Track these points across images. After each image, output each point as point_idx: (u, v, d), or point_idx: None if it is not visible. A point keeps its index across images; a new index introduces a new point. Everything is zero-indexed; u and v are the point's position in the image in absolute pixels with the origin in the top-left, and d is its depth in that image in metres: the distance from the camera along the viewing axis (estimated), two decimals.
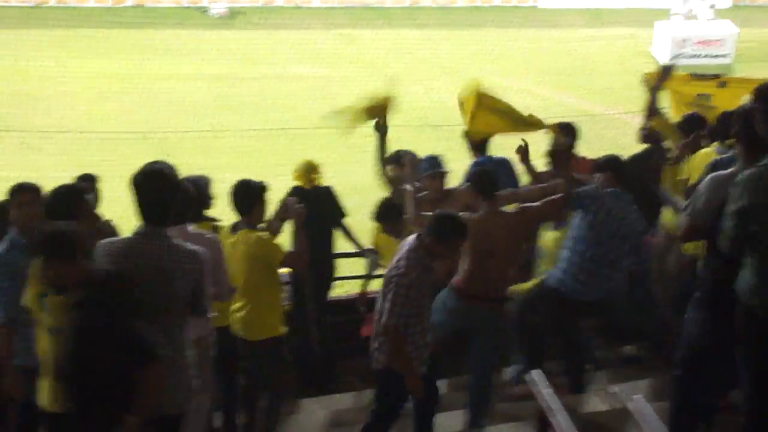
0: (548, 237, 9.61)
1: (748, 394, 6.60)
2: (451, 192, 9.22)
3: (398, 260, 7.52)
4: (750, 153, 6.54)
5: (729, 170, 6.98)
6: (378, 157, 9.20)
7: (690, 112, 10.59)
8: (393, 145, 10.01)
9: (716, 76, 12.17)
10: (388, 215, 9.79)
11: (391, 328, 7.40)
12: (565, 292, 8.83)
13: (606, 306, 9.24)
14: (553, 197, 8.63)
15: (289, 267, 8.61)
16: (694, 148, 9.58)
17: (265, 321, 8.29)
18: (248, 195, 8.27)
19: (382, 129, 9.19)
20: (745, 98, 7.67)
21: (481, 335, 8.34)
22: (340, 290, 11.57)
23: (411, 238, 7.68)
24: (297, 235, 8.50)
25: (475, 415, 8.66)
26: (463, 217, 8.06)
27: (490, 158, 10.32)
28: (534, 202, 8.73)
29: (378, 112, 9.37)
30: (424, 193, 9.09)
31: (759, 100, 6.26)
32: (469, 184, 8.85)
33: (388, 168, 9.70)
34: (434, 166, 9.29)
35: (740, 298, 6.41)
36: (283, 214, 8.87)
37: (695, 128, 9.80)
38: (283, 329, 8.42)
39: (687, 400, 7.33)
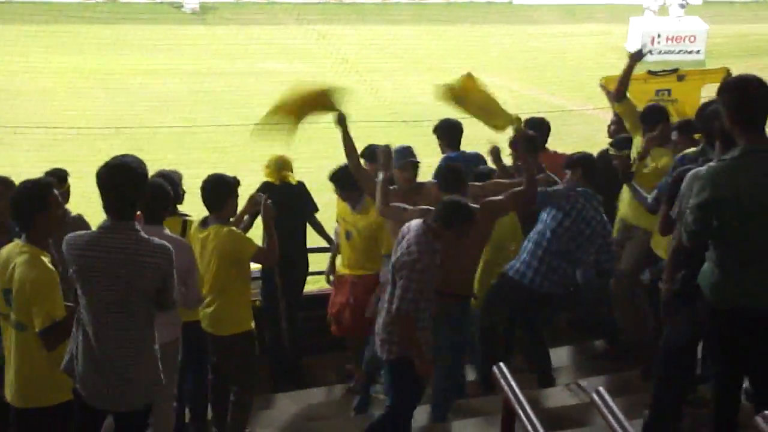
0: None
1: (714, 388, 6.64)
2: (421, 185, 9.18)
3: (408, 246, 7.52)
4: (726, 149, 6.57)
5: (708, 165, 7.02)
6: (348, 152, 9.10)
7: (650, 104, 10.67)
8: (365, 141, 10.01)
9: (674, 71, 12.25)
10: (341, 180, 9.68)
11: (403, 314, 7.42)
12: (527, 284, 8.88)
13: (565, 301, 9.33)
14: (515, 190, 8.60)
15: (260, 263, 8.61)
16: (662, 140, 9.64)
17: (234, 316, 8.28)
18: (220, 190, 8.25)
19: (341, 121, 9.01)
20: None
21: (443, 331, 8.31)
22: (313, 286, 11.55)
23: (416, 223, 7.67)
24: (267, 230, 8.44)
25: (438, 409, 8.68)
26: (428, 210, 8.12)
27: (463, 153, 10.35)
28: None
29: (322, 106, 9.07)
30: (394, 187, 9.06)
31: (720, 96, 6.29)
32: (435, 180, 8.85)
33: (362, 162, 9.70)
34: (405, 156, 9.19)
35: (704, 293, 6.45)
36: (250, 208, 8.86)
37: (658, 120, 9.84)
38: (252, 324, 8.41)
39: (665, 397, 7.37)
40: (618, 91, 10.46)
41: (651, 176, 9.37)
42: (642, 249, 9.51)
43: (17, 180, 7.34)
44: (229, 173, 8.68)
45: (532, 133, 9.44)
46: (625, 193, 9.70)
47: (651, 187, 9.09)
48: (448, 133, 10.52)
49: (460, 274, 8.41)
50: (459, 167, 8.91)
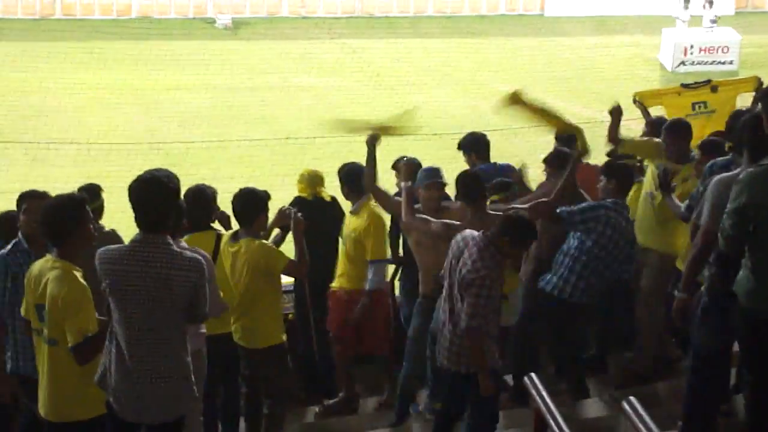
0: None
1: (749, 398, 6.60)
2: (446, 208, 9.11)
3: (473, 263, 7.48)
4: (755, 155, 6.55)
5: (733, 171, 7.00)
6: (368, 170, 9.11)
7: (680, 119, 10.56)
8: (397, 154, 10.04)
9: (707, 82, 12.17)
10: (349, 176, 9.70)
11: (475, 331, 7.41)
12: (565, 298, 8.85)
13: (599, 311, 9.31)
14: (538, 202, 8.58)
15: (291, 275, 8.63)
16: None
17: (265, 329, 8.33)
18: (251, 204, 8.31)
19: (373, 141, 9.05)
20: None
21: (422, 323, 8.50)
22: None
23: (472, 236, 7.64)
24: (297, 243, 8.48)
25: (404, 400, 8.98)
26: (452, 224, 8.14)
27: (494, 165, 10.35)
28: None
29: (386, 132, 9.18)
30: (418, 206, 9.03)
31: (761, 101, 6.29)
32: (456, 188, 8.80)
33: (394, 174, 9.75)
34: (431, 176, 9.19)
35: (739, 300, 6.41)
36: (279, 222, 8.89)
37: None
38: (283, 337, 8.44)
39: (698, 408, 7.31)
40: (611, 139, 10.23)
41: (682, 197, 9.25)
42: (660, 271, 9.46)
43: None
44: (261, 187, 8.75)
45: (567, 150, 9.46)
46: (638, 213, 9.63)
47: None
48: (477, 146, 10.51)
49: None
50: (478, 175, 8.89)
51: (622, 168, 9.23)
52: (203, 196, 8.59)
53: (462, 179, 8.75)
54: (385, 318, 9.85)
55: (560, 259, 9.06)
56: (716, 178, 7.09)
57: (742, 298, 6.38)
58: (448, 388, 8.04)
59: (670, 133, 9.73)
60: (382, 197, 9.23)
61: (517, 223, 7.58)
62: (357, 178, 9.44)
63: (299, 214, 8.53)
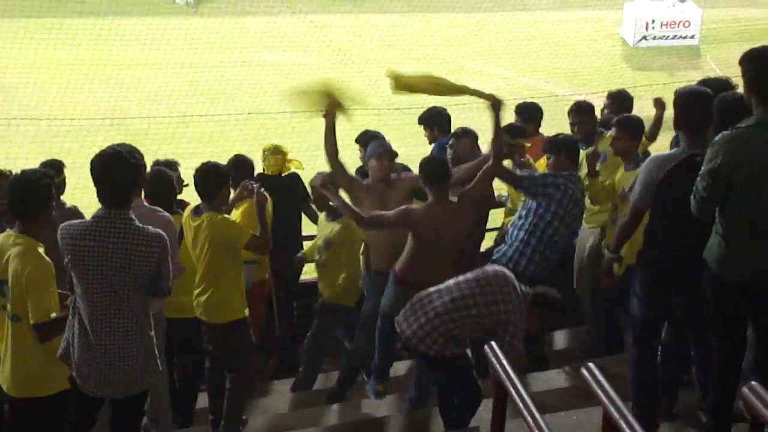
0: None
1: (716, 365, 6.62)
2: (395, 178, 9.03)
3: (510, 313, 7.39)
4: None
5: (669, 152, 7.14)
6: (328, 142, 9.02)
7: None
8: (360, 129, 10.03)
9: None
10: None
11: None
12: (521, 271, 8.78)
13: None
14: (483, 170, 8.52)
15: (253, 250, 8.56)
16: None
17: (228, 304, 8.30)
18: (212, 178, 8.27)
19: (331, 117, 8.97)
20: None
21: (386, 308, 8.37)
22: (309, 276, 11.55)
23: (516, 287, 7.51)
24: (260, 219, 8.45)
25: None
26: (409, 210, 8.13)
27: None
28: (471, 179, 8.61)
29: (331, 102, 9.04)
30: (367, 181, 8.98)
31: (742, 65, 6.32)
32: (419, 173, 8.69)
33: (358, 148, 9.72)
34: (382, 145, 9.10)
35: (709, 266, 6.44)
36: (242, 197, 8.90)
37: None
38: (246, 312, 8.41)
39: (644, 378, 7.36)
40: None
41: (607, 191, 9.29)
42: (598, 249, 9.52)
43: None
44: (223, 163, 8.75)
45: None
46: None
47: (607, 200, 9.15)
48: (438, 120, 10.49)
49: (440, 267, 8.25)
50: (443, 158, 8.79)
51: (566, 140, 9.18)
52: (163, 178, 8.62)
53: (427, 163, 8.57)
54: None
55: (514, 231, 9.02)
56: (651, 155, 7.20)
57: (712, 264, 6.40)
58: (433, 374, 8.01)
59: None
60: (341, 171, 9.04)
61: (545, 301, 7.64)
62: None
63: (262, 189, 8.52)
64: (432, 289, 7.64)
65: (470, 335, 7.50)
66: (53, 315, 6.37)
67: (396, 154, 9.11)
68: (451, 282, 7.60)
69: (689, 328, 7.41)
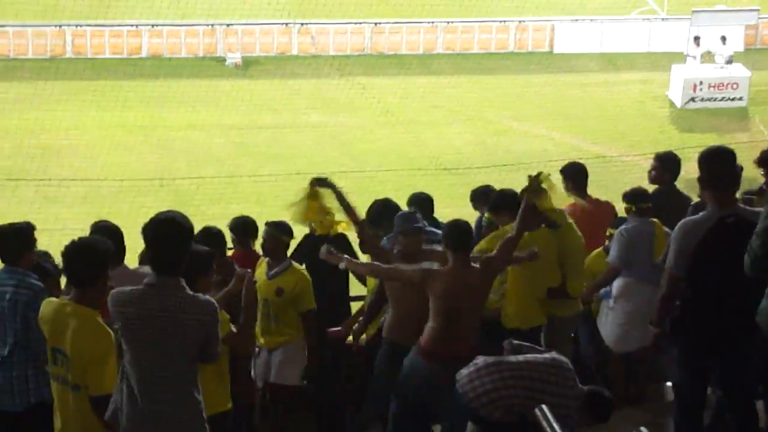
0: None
1: None
2: (426, 252, 8.76)
3: (569, 408, 7.25)
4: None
5: (699, 215, 7.03)
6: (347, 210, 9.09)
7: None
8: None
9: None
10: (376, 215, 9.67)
11: None
12: None
13: None
14: (506, 239, 8.48)
15: (230, 344, 7.46)
16: None
17: (210, 396, 7.08)
18: (191, 265, 6.69)
19: (323, 183, 9.09)
20: None
21: (446, 398, 7.91)
22: None
23: (577, 382, 7.39)
24: (245, 311, 7.29)
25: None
26: (431, 270, 8.06)
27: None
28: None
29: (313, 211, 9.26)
30: (395, 250, 8.82)
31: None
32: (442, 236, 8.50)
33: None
34: (412, 221, 8.87)
35: (763, 330, 6.36)
36: (238, 287, 7.58)
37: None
38: (229, 404, 7.68)
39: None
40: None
41: None
42: None
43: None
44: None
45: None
46: None
47: None
48: (575, 175, 10.47)
49: (464, 335, 8.15)
50: (466, 224, 8.60)
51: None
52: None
53: (451, 228, 8.36)
54: None
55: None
56: (681, 222, 7.10)
57: (765, 328, 6.33)
58: None
59: None
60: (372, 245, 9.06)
61: (598, 399, 7.52)
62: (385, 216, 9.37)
63: (254, 279, 7.62)
64: (502, 358, 7.56)
65: (527, 411, 7.41)
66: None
67: (425, 229, 8.97)
68: (521, 358, 7.51)
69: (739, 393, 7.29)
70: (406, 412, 8.37)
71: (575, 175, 10.46)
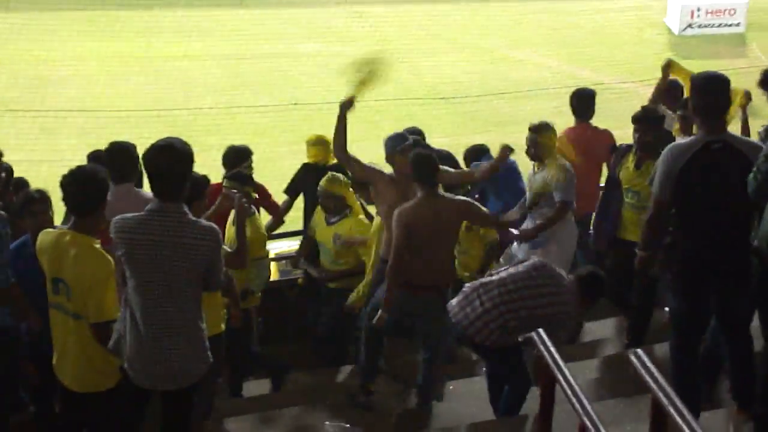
0: None
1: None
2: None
3: (565, 304, 7.42)
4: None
5: (685, 140, 7.01)
6: (338, 134, 8.81)
7: None
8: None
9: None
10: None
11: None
12: None
13: None
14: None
15: (228, 267, 7.58)
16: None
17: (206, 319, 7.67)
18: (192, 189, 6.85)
19: (347, 106, 8.71)
20: None
21: (422, 319, 8.22)
22: None
23: (563, 276, 7.57)
24: (238, 231, 7.73)
25: (427, 391, 8.52)
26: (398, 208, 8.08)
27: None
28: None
29: (367, 83, 8.74)
30: (391, 173, 8.77)
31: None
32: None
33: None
34: (404, 139, 8.86)
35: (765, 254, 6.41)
36: (224, 206, 8.14)
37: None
38: (222, 326, 7.88)
39: (690, 382, 7.28)
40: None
41: None
42: None
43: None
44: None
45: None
46: None
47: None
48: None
49: (436, 265, 8.20)
50: (431, 156, 8.43)
51: None
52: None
53: (415, 162, 8.27)
54: None
55: None
56: (669, 145, 7.06)
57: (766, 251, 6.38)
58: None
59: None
60: (351, 163, 8.95)
61: (595, 280, 7.57)
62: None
63: (244, 200, 7.89)
64: (485, 279, 7.63)
65: (525, 327, 7.47)
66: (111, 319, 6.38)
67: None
68: (503, 273, 7.59)
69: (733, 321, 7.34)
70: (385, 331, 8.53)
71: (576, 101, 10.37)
